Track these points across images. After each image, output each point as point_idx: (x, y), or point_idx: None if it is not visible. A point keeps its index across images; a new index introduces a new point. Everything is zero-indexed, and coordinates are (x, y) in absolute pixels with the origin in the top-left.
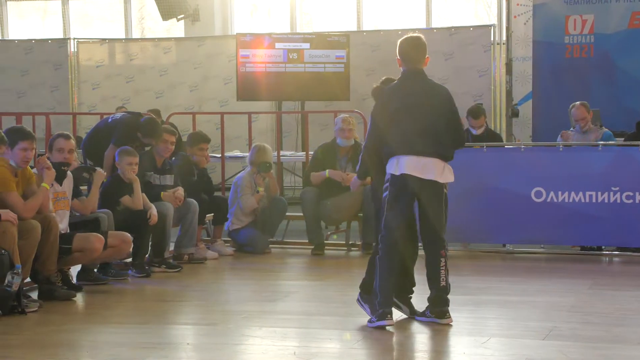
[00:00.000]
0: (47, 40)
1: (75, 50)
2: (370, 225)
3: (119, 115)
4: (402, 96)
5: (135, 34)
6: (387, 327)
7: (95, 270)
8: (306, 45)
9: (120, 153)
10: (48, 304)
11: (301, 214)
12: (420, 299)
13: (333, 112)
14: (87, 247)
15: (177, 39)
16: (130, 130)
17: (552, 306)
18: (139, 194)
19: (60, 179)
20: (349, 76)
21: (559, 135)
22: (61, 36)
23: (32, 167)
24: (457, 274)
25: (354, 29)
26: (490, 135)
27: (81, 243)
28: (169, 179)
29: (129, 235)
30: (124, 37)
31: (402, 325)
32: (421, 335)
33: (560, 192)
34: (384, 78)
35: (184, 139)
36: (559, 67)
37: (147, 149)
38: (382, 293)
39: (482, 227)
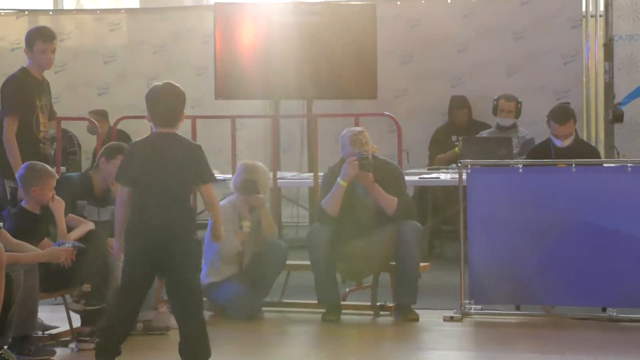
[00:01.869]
0: None
1: None
2: (408, 279)
3: None
4: None
5: (68, 4)
6: None
7: (6, 347)
8: (315, 20)
9: (27, 174)
10: None
11: (308, 263)
12: None
13: (353, 115)
14: None
15: (130, 11)
16: (16, 82)
17: None
18: (62, 224)
19: None
20: (376, 64)
21: None
22: None
23: None
24: (538, 350)
25: None
26: (582, 149)
27: None
28: (110, 213)
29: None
30: (51, 7)
31: None
32: None
33: None
34: None
35: None
36: None
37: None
38: None
39: (570, 283)
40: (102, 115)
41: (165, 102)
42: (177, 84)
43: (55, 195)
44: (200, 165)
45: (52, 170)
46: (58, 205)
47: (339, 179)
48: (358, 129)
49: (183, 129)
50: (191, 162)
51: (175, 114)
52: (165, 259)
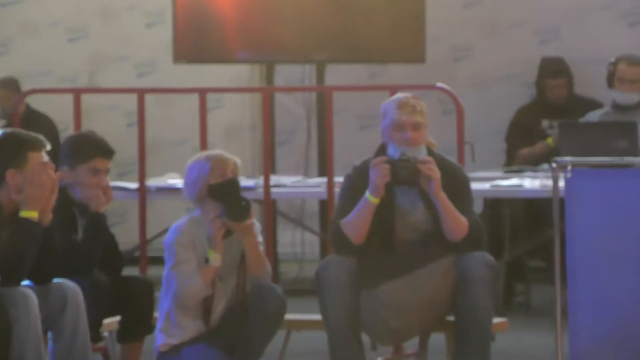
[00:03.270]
0: None
1: None
2: (474, 342)
3: None
4: None
5: None
6: None
7: None
8: None
9: None
10: None
11: (318, 317)
12: None
13: (388, 87)
14: None
15: None
16: None
17: None
18: None
19: None
20: (424, 9)
21: None
22: None
23: None
24: None
25: None
26: None
27: None
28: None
29: None
30: None
31: None
32: None
33: None
34: None
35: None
36: None
37: None
38: None
39: None
40: (11, 86)
41: None
42: None
43: None
44: None
45: None
46: None
47: (367, 192)
48: (409, 95)
49: (127, 108)
50: None
51: None
52: None
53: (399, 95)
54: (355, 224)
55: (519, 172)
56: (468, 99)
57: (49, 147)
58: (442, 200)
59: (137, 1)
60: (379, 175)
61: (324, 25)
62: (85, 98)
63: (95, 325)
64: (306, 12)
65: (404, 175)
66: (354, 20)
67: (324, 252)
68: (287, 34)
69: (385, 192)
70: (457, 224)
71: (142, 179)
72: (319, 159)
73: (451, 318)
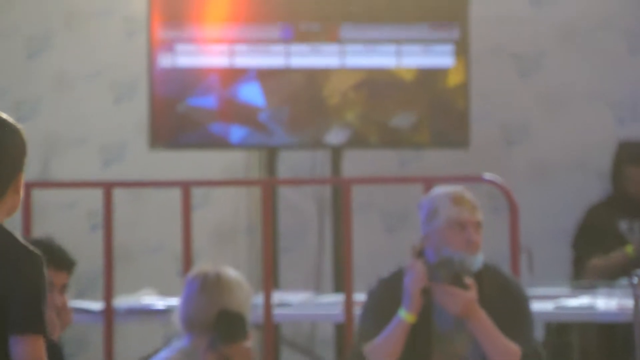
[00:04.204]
0: None
1: None
2: None
3: None
4: None
5: None
6: None
7: None
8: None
9: None
10: None
11: None
12: None
13: (421, 179)
14: None
15: None
16: None
17: None
18: None
19: None
20: (469, 78)
21: None
22: None
23: None
24: None
25: None
26: None
27: None
28: None
29: None
30: None
31: None
32: None
33: None
34: None
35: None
36: None
37: None
38: None
39: None
40: None
41: None
42: (8, 119)
43: None
44: (21, 297)
45: None
46: None
47: (402, 307)
48: (460, 189)
49: (90, 206)
50: (7, 289)
51: None
52: None
53: (447, 188)
54: (385, 349)
55: (590, 288)
56: (524, 194)
57: None
58: (482, 328)
59: (102, 68)
60: (414, 279)
61: (340, 101)
62: (37, 193)
63: None
64: (317, 83)
65: (443, 275)
66: (379, 95)
67: None
68: (293, 111)
69: (423, 317)
70: (503, 354)
71: (108, 297)
72: (334, 270)
73: None
